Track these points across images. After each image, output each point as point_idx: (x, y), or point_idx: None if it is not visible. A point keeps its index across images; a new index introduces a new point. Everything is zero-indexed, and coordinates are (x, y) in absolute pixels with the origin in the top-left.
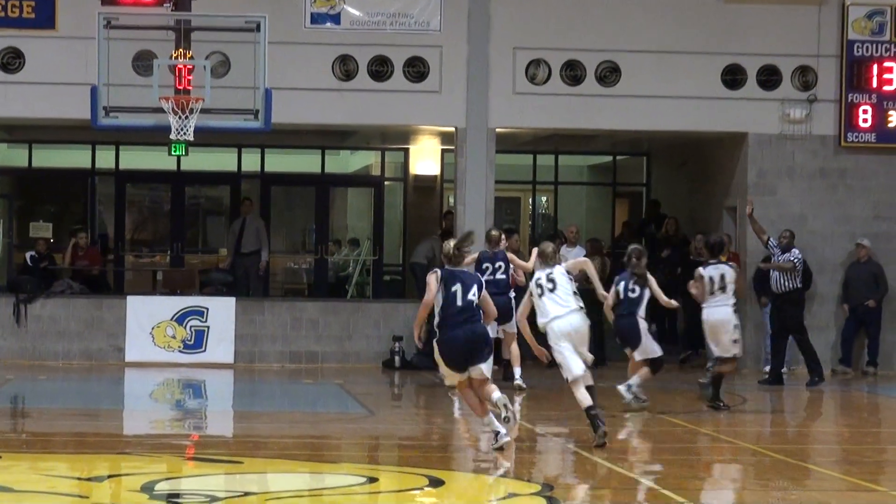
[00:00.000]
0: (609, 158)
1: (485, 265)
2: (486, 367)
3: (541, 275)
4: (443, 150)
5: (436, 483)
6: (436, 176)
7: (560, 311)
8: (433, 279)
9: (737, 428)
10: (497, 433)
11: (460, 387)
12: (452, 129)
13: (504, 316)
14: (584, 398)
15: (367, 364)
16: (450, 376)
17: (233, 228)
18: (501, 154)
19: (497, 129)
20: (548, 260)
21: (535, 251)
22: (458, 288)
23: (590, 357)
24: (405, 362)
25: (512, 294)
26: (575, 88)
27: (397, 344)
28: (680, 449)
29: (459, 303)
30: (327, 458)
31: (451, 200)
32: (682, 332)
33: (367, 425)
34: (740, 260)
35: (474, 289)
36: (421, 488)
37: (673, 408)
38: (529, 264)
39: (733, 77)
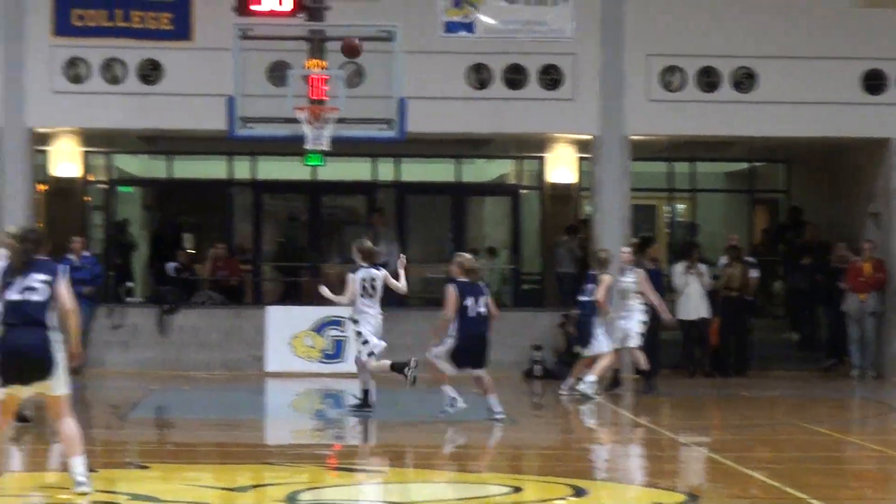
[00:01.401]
0: (747, 165)
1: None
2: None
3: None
4: (579, 158)
5: (580, 492)
6: (572, 184)
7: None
8: (454, 291)
9: (885, 436)
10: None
11: (445, 377)
12: (587, 136)
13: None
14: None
15: (506, 373)
16: (450, 370)
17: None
18: (637, 161)
19: (632, 137)
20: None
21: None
22: (470, 301)
23: None
24: (546, 371)
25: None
26: (710, 95)
27: (537, 353)
28: (826, 458)
29: (471, 313)
30: (470, 468)
31: (588, 208)
32: (825, 339)
33: (509, 434)
34: (885, 267)
35: (483, 299)
36: (564, 498)
37: (817, 416)
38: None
39: (874, 82)
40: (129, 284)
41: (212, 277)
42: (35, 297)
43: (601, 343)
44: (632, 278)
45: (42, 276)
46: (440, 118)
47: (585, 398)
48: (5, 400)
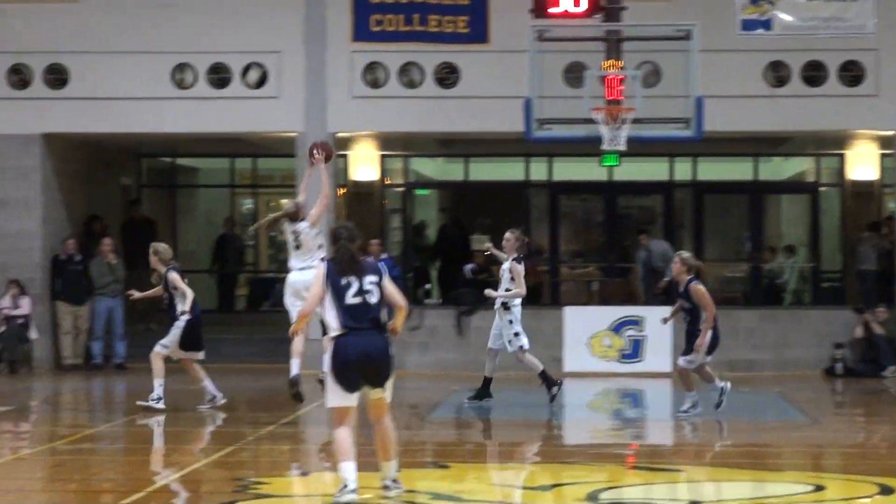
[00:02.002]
0: None
1: None
2: None
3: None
4: (881, 155)
5: (887, 491)
6: (874, 181)
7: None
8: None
9: None
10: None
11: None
12: (890, 133)
13: None
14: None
15: (805, 372)
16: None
17: (639, 256)
18: None
19: None
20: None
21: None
22: None
23: None
24: (847, 370)
25: None
26: None
27: (838, 351)
28: None
29: None
30: (770, 467)
31: (891, 205)
32: None
33: (810, 433)
34: None
35: None
36: (871, 496)
37: None
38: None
39: None
40: (427, 286)
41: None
42: (373, 300)
43: None
44: None
45: (373, 278)
46: (737, 117)
47: None
48: (347, 409)
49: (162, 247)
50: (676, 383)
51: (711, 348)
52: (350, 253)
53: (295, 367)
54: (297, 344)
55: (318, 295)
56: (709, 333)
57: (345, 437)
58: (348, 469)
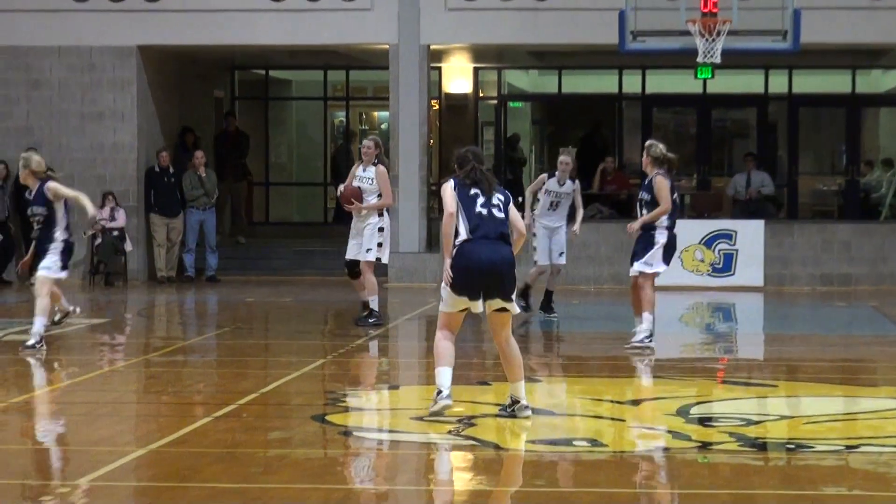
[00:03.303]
0: None
1: None
2: None
3: None
4: None
5: None
6: None
7: None
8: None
9: None
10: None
11: None
12: None
13: None
14: None
15: None
16: None
17: (736, 180)
18: None
19: None
20: None
21: None
22: None
23: None
24: None
25: None
26: None
27: None
28: None
29: None
30: (864, 382)
31: None
32: None
33: None
34: None
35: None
36: None
37: None
38: None
39: None
40: (520, 199)
41: (600, 192)
42: (500, 215)
43: None
44: None
45: (500, 196)
46: (835, 28)
47: None
48: (456, 316)
49: (35, 158)
50: (768, 296)
51: (668, 256)
52: (479, 170)
53: (373, 303)
54: (372, 281)
55: (452, 208)
56: (664, 235)
57: (446, 343)
58: (444, 374)
